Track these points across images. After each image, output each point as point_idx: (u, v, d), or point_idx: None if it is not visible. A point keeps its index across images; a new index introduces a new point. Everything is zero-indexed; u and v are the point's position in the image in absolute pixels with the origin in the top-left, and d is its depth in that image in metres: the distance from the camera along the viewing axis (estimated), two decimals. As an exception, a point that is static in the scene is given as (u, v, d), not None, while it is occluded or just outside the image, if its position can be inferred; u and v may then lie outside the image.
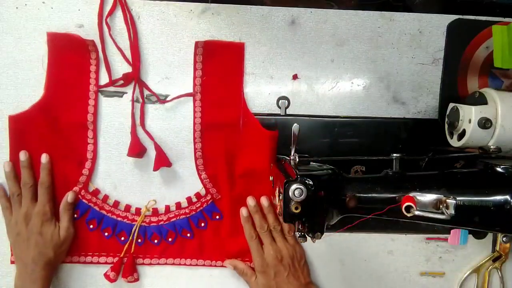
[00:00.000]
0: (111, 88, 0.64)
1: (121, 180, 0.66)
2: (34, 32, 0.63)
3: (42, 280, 0.61)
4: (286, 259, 0.64)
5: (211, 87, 0.65)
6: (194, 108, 0.65)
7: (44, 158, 0.63)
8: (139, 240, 0.67)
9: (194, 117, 0.65)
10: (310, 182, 0.46)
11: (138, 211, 0.67)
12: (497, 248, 0.70)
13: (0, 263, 0.66)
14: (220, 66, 0.65)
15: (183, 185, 0.67)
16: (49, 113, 0.63)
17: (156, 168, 0.64)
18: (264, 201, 0.66)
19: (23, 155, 0.63)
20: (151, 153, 0.65)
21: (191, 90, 0.65)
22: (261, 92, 0.67)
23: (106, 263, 0.66)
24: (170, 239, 0.67)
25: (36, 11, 0.63)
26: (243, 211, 0.66)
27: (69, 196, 0.64)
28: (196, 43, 0.64)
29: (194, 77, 0.65)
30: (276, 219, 0.66)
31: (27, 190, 0.63)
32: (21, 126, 0.63)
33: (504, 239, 0.51)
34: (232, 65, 0.65)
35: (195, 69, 0.65)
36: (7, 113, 0.63)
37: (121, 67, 0.64)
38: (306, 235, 0.49)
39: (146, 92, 0.65)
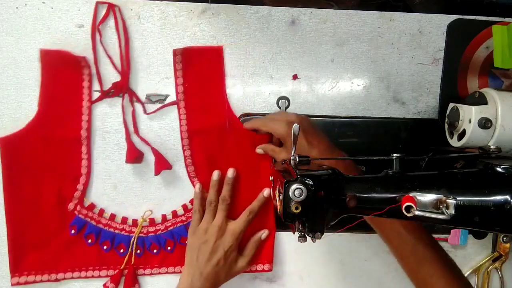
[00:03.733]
0: (105, 102, 0.65)
1: (116, 191, 0.66)
2: (34, 32, 0.63)
3: None
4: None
5: (193, 93, 0.65)
6: (179, 116, 0.65)
7: (230, 173, 0.65)
8: (138, 251, 0.67)
9: (180, 125, 0.65)
10: (310, 182, 0.46)
11: (135, 222, 0.67)
12: (497, 248, 0.70)
13: (0, 263, 0.66)
14: (200, 71, 0.65)
15: (177, 192, 0.67)
16: (43, 131, 0.63)
17: (157, 173, 0.64)
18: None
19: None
20: (147, 159, 0.66)
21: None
22: (261, 92, 0.67)
23: (107, 276, 0.66)
24: (169, 248, 0.67)
25: (36, 11, 0.63)
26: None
27: (263, 234, 0.67)
28: (174, 51, 0.64)
29: (176, 85, 0.65)
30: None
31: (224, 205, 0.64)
32: (12, 146, 0.63)
33: (504, 239, 0.51)
34: (212, 69, 0.65)
35: (176, 77, 0.65)
36: (7, 113, 0.64)
37: (115, 78, 0.64)
38: (306, 235, 0.49)
39: (144, 95, 0.65)
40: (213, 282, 0.61)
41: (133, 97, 0.65)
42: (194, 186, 0.66)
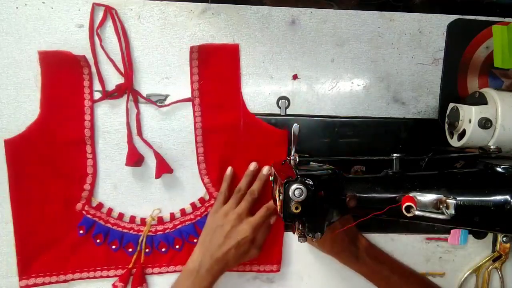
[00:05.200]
0: (106, 101, 0.65)
1: (123, 190, 0.66)
2: (34, 32, 0.63)
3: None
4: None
5: (209, 90, 0.65)
6: (194, 112, 0.65)
7: (265, 170, 0.65)
8: (147, 250, 0.67)
9: (195, 122, 0.65)
10: (310, 182, 0.46)
11: (143, 221, 0.67)
12: (497, 248, 0.70)
13: (0, 263, 0.66)
14: (216, 69, 0.65)
15: (186, 190, 0.67)
16: (47, 132, 0.63)
17: (158, 176, 0.64)
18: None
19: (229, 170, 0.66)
20: (151, 160, 0.65)
21: (190, 92, 0.65)
22: (261, 92, 0.67)
23: (115, 276, 0.66)
24: (177, 246, 0.67)
25: (36, 11, 0.63)
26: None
27: (272, 219, 0.66)
28: (191, 48, 0.64)
29: (192, 82, 0.65)
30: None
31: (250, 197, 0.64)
32: (18, 148, 0.63)
33: (504, 239, 0.51)
34: (228, 67, 0.65)
35: (191, 74, 0.65)
36: (7, 113, 0.64)
37: (116, 78, 0.64)
38: (306, 235, 0.49)
39: (144, 95, 0.65)
40: (221, 266, 0.61)
41: (138, 96, 0.64)
42: (204, 183, 0.66)
